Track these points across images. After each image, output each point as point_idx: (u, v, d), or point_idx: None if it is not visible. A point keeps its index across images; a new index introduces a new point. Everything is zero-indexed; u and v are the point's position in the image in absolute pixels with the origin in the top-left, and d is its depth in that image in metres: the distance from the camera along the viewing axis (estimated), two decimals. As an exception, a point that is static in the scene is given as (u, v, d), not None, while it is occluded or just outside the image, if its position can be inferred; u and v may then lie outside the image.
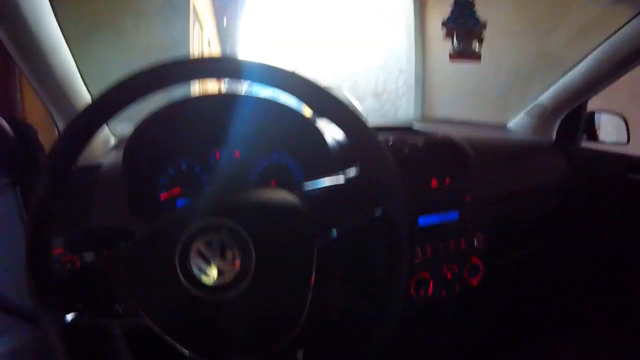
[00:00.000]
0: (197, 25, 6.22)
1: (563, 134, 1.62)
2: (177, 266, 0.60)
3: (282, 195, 0.69)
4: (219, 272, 0.60)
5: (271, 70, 0.67)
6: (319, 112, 0.72)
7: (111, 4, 3.35)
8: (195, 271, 0.60)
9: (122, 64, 3.13)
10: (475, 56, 1.34)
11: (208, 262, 0.60)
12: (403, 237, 0.71)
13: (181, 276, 0.60)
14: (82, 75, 1.06)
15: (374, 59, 6.95)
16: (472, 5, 1.31)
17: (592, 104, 1.61)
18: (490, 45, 3.90)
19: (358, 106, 5.51)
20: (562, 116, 1.60)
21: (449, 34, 1.34)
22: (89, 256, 0.72)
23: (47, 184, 0.62)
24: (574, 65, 1.49)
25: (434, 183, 1.16)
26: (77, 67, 1.04)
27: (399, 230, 0.71)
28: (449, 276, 1.15)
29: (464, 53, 1.34)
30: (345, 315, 0.89)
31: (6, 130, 0.92)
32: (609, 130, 1.63)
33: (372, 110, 6.70)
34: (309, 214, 0.68)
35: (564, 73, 1.53)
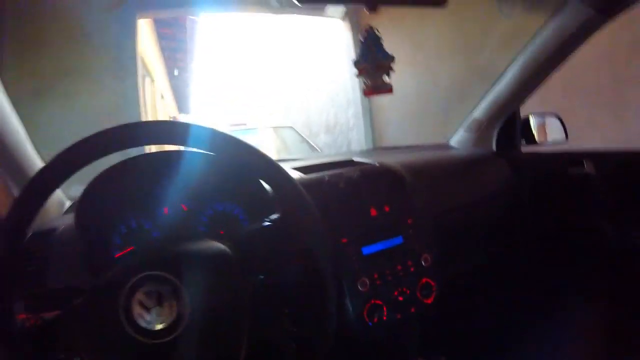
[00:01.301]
0: (147, 78, 6.29)
1: (502, 142, 1.66)
2: (122, 315, 0.64)
3: (212, 245, 0.75)
4: (159, 319, 0.65)
5: (195, 132, 0.75)
6: (242, 166, 0.82)
7: (56, 66, 3.38)
8: (138, 319, 0.64)
9: (73, 124, 3.13)
10: (387, 89, 1.39)
11: (148, 310, 0.65)
12: (324, 269, 0.79)
13: (125, 324, 0.64)
14: (33, 139, 1.08)
15: (323, 93, 7.14)
16: (378, 40, 1.38)
17: (529, 108, 1.65)
18: (428, 66, 4.08)
19: (313, 142, 5.63)
20: (499, 126, 1.65)
21: (361, 72, 1.40)
22: (47, 316, 0.73)
23: (4, 250, 0.67)
24: (500, 76, 1.55)
25: (373, 212, 1.19)
26: (27, 131, 1.06)
27: (321, 264, 0.79)
28: (401, 299, 1.15)
29: (376, 88, 1.40)
30: (282, 345, 0.88)
31: None
32: (550, 131, 1.65)
33: (326, 144, 6.82)
34: (237, 259, 0.74)
35: (492, 85, 1.58)
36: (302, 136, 5.51)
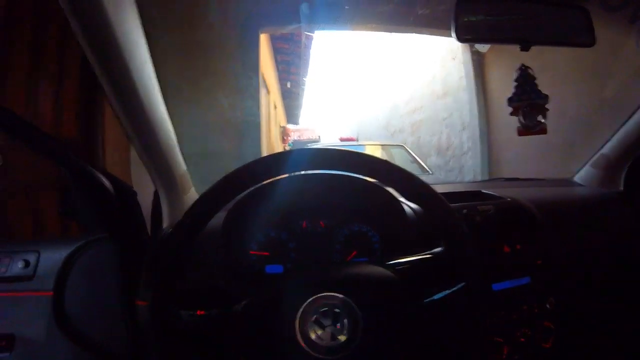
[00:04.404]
0: (264, 89, 6.54)
1: (631, 182, 1.55)
2: (297, 330, 0.70)
3: (380, 270, 0.80)
4: (332, 337, 0.70)
5: (359, 159, 0.80)
6: (403, 193, 0.86)
7: (185, 77, 3.61)
8: (313, 335, 0.70)
9: (201, 130, 3.38)
10: (542, 129, 1.37)
11: (323, 328, 0.71)
12: (479, 308, 0.85)
13: (300, 339, 0.70)
14: (179, 141, 1.14)
15: (436, 114, 6.99)
16: (532, 79, 1.36)
17: None
18: (553, 92, 3.87)
19: (424, 162, 5.52)
20: (628, 164, 1.54)
21: (515, 111, 1.38)
22: (186, 313, 0.76)
23: (177, 243, 0.76)
24: (634, 112, 1.45)
25: (506, 249, 1.17)
26: (176, 136, 1.13)
27: (476, 301, 0.83)
28: (522, 340, 1.13)
29: (531, 127, 1.37)
30: None
31: (109, 190, 1.00)
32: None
33: (436, 166, 6.67)
34: (403, 285, 0.78)
35: (626, 120, 1.49)
36: (413, 155, 5.40)
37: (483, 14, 1.15)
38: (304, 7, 3.50)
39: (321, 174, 1.13)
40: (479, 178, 5.24)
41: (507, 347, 1.11)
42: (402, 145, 5.84)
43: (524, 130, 1.37)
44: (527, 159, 4.47)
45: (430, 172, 5.15)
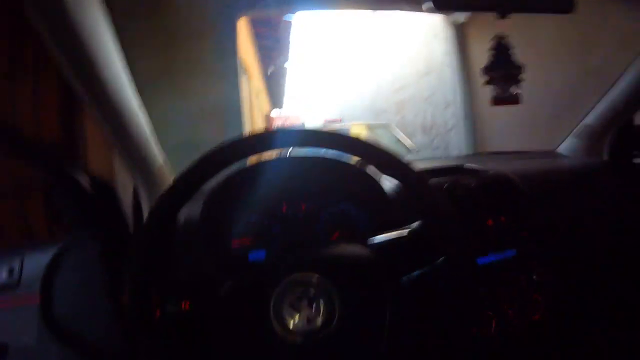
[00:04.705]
0: (245, 76, 6.46)
1: (615, 152, 1.57)
2: (272, 314, 0.69)
3: (357, 249, 0.79)
4: (308, 320, 0.69)
5: (336, 137, 0.78)
6: (383, 170, 0.83)
7: (163, 64, 3.55)
8: (288, 319, 0.69)
9: (180, 118, 3.33)
10: (516, 100, 1.36)
11: (298, 311, 0.70)
12: (467, 280, 0.79)
13: (275, 323, 0.68)
14: (155, 132, 1.13)
15: (418, 92, 6.96)
16: (508, 48, 1.35)
17: None
18: (539, 65, 3.84)
19: (409, 142, 5.52)
20: (613, 134, 1.57)
21: (489, 81, 1.37)
22: (171, 307, 0.76)
23: (151, 235, 0.74)
24: (616, 81, 1.47)
25: (490, 222, 1.18)
26: (154, 129, 1.12)
27: (463, 274, 0.78)
28: (510, 313, 1.14)
29: (504, 98, 1.36)
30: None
31: (87, 188, 0.99)
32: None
33: (422, 145, 6.64)
34: (381, 264, 0.77)
35: (608, 90, 1.51)
36: (399, 134, 5.41)
37: None
38: None
39: (300, 157, 1.11)
40: (465, 153, 5.26)
41: (495, 321, 1.11)
42: (386, 125, 5.83)
43: (497, 100, 1.37)
44: (512, 133, 4.48)
45: (416, 151, 5.15)
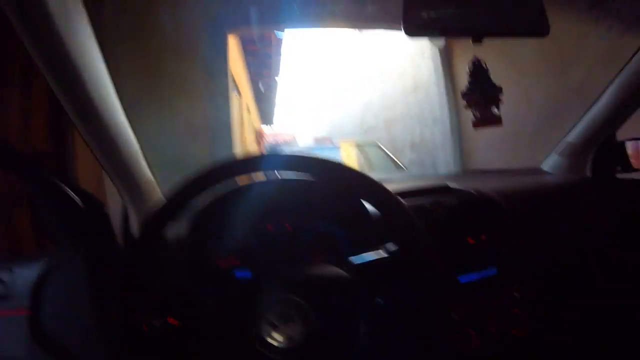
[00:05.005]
0: (235, 92, 6.49)
1: (597, 168, 1.57)
2: (251, 330, 0.72)
3: (335, 271, 0.82)
4: (286, 338, 0.72)
5: (309, 161, 0.83)
6: (360, 195, 0.91)
7: (154, 80, 3.57)
8: (267, 337, 0.72)
9: (170, 134, 3.35)
10: (497, 121, 1.35)
11: (277, 329, 0.73)
12: (441, 301, 0.83)
13: (255, 340, 0.72)
14: (142, 148, 1.13)
15: (408, 110, 7.03)
16: (485, 72, 1.35)
17: (622, 133, 1.57)
18: (521, 83, 3.90)
19: (397, 160, 5.56)
20: (594, 150, 1.57)
21: (469, 104, 1.37)
22: (157, 320, 0.78)
23: (139, 251, 0.78)
24: (598, 98, 1.49)
25: (470, 241, 1.19)
26: (139, 143, 1.12)
27: (438, 295, 0.83)
28: (492, 330, 1.14)
29: (485, 120, 1.36)
30: None
31: (76, 202, 0.99)
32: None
33: (411, 162, 6.71)
34: (358, 284, 0.80)
35: (589, 107, 1.52)
36: (387, 153, 5.44)
37: (433, 7, 1.15)
38: (252, 11, 3.54)
39: (285, 179, 1.15)
40: (452, 171, 5.31)
41: (477, 338, 1.11)
42: (376, 143, 5.88)
43: (478, 123, 1.36)
44: (498, 149, 4.53)
45: (405, 168, 5.19)
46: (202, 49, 3.96)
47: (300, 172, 0.87)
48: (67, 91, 0.83)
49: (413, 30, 1.10)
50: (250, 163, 0.83)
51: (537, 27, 1.16)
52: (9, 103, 2.00)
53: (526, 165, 1.92)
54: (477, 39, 1.15)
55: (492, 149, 4.65)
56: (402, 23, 1.07)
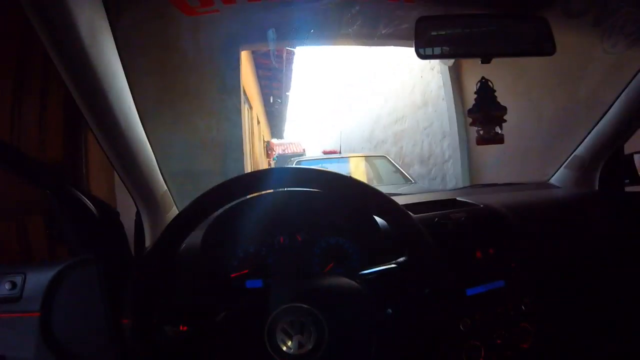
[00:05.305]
0: (246, 105, 6.57)
1: (605, 181, 1.59)
2: (265, 340, 0.75)
3: (347, 282, 0.85)
4: (299, 346, 0.75)
5: (321, 176, 0.87)
6: (370, 209, 0.94)
7: (170, 93, 3.64)
8: (280, 344, 0.75)
9: (188, 146, 3.41)
10: (499, 140, 1.42)
11: (290, 337, 0.76)
12: (447, 309, 0.89)
13: (268, 348, 0.75)
14: (158, 160, 1.16)
15: (417, 124, 7.06)
16: (491, 91, 1.41)
17: (630, 146, 1.57)
18: (530, 97, 3.90)
19: (407, 172, 5.56)
20: (602, 164, 1.58)
21: (473, 122, 1.43)
22: (170, 329, 0.82)
23: (156, 261, 0.82)
24: (606, 112, 1.49)
25: (479, 254, 1.20)
26: (158, 157, 1.16)
27: (445, 304, 0.89)
28: (499, 342, 1.15)
29: (488, 138, 1.42)
30: None
31: (93, 212, 1.02)
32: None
33: (419, 175, 6.71)
34: (369, 295, 0.83)
35: (597, 120, 1.53)
36: (395, 166, 5.45)
37: (443, 31, 1.19)
38: (270, 32, 3.61)
39: (297, 191, 1.18)
40: (461, 185, 5.29)
41: (484, 350, 1.13)
42: (384, 156, 5.88)
43: (481, 141, 1.42)
44: (506, 163, 4.52)
45: (413, 182, 5.19)
46: (217, 64, 4.04)
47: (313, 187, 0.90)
48: (90, 104, 0.86)
49: (425, 53, 1.18)
50: (266, 178, 0.87)
51: (544, 47, 1.23)
52: (25, 114, 2.06)
53: (534, 179, 1.93)
54: (486, 60, 1.21)
55: (501, 163, 4.64)
56: (414, 47, 1.14)
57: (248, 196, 1.12)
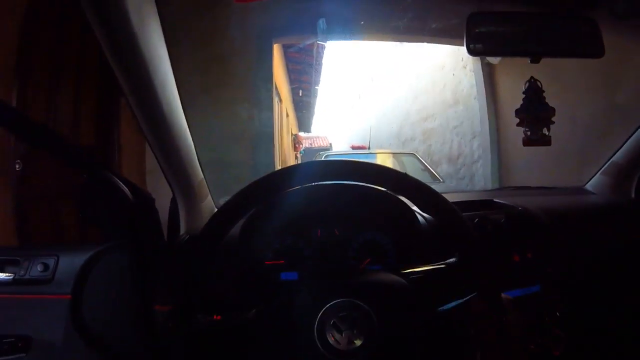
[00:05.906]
0: (276, 98, 6.61)
1: None
2: (315, 335, 0.74)
3: (395, 278, 0.84)
4: (349, 341, 0.73)
5: (371, 169, 0.86)
6: (416, 203, 0.91)
7: (213, 81, 3.69)
8: (330, 340, 0.73)
9: (223, 134, 3.46)
10: (547, 141, 1.40)
11: (340, 333, 0.74)
12: (498, 311, 0.87)
13: (318, 343, 0.73)
14: (196, 149, 1.18)
15: (447, 122, 7.02)
16: (540, 91, 1.39)
17: None
18: (565, 100, 3.83)
19: (434, 171, 5.53)
20: (639, 173, 1.55)
21: (521, 122, 1.41)
22: (203, 317, 0.81)
23: (200, 252, 0.83)
24: None
25: (516, 258, 1.19)
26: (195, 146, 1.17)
27: (494, 308, 0.87)
28: (532, 348, 1.13)
29: (535, 140, 1.40)
30: None
31: (128, 197, 1.02)
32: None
33: (447, 174, 6.65)
34: (417, 293, 0.82)
35: (637, 127, 1.49)
36: (424, 164, 5.42)
37: (494, 28, 1.18)
38: (321, 23, 3.55)
39: (335, 184, 1.17)
40: (490, 186, 5.26)
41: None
42: (413, 154, 5.86)
43: (528, 142, 1.40)
44: (538, 167, 4.45)
45: (442, 180, 5.16)
46: (251, 56, 4.08)
47: (358, 180, 0.89)
48: (136, 90, 0.86)
49: (475, 49, 1.16)
50: (314, 171, 0.88)
51: (592, 49, 1.21)
52: (61, 102, 2.13)
53: (567, 184, 1.90)
54: (536, 60, 1.20)
55: (533, 166, 4.58)
56: (465, 43, 1.13)
57: (285, 191, 1.12)
